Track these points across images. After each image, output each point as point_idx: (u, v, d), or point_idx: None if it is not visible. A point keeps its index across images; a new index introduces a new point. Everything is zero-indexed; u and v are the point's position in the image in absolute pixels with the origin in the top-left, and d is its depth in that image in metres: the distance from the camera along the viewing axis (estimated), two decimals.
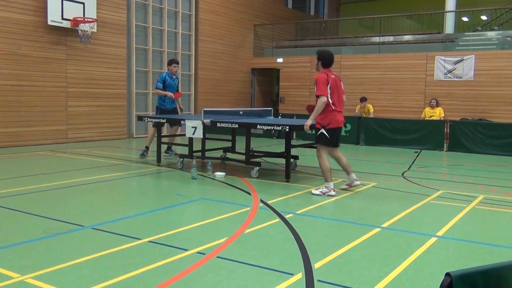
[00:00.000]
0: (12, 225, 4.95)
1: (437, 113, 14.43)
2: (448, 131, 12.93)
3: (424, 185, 7.64)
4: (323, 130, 6.57)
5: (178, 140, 12.47)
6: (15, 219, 5.17)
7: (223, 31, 17.76)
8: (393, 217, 5.52)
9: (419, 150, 12.72)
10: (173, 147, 10.29)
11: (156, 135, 9.33)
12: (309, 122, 6.66)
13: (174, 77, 9.98)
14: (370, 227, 5.10)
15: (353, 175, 6.99)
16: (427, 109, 14.71)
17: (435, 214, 5.82)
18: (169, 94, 9.81)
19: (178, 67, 10.03)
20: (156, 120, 9.00)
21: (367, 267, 3.90)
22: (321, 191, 6.67)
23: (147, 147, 9.85)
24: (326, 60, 6.54)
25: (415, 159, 10.98)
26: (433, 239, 4.71)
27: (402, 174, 8.76)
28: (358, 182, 7.00)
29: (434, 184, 7.80)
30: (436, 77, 15.59)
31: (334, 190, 6.68)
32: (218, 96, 17.47)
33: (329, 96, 6.45)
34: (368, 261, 4.04)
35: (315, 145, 8.52)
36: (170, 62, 9.96)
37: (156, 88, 9.97)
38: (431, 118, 14.24)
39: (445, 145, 12.91)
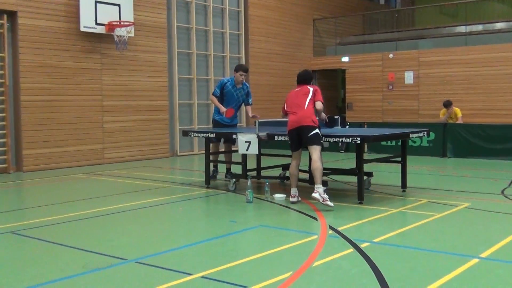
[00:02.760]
0: (49, 259, 5.15)
1: None
2: None
3: None
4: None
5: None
6: (51, 253, 5.37)
7: (277, 28, 17.89)
8: (494, 245, 5.33)
9: None
10: (222, 169, 10.25)
11: (216, 151, 9.50)
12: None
13: (239, 86, 9.67)
14: (465, 257, 4.94)
15: (315, 186, 7.25)
16: None
17: None
18: (222, 109, 9.49)
19: (245, 75, 9.67)
20: (203, 135, 9.11)
21: None
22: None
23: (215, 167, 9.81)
24: (298, 78, 8.05)
25: None
26: None
27: (502, 192, 8.45)
28: (314, 195, 7.16)
29: None
30: None
31: (294, 197, 7.66)
32: (274, 105, 17.50)
33: (286, 106, 7.95)
34: None
35: (394, 159, 8.40)
36: (238, 69, 9.62)
37: (212, 94, 9.78)
38: None
39: None
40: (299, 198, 7.70)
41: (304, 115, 7.51)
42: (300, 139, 7.57)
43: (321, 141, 7.47)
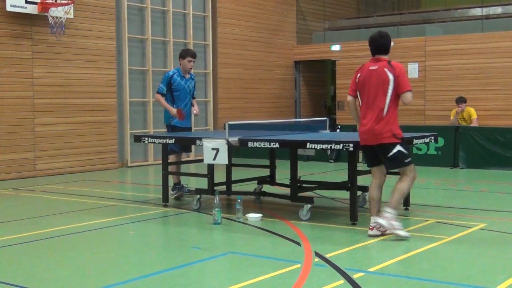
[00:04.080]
0: None
1: None
2: None
3: None
4: None
5: (191, 168, 12.59)
6: None
7: (252, 9, 17.94)
8: None
9: None
10: (185, 182, 10.28)
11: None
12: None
13: (187, 76, 10.00)
14: None
15: (384, 209, 6.87)
16: None
17: None
18: (173, 111, 9.73)
19: (194, 62, 10.05)
20: (160, 141, 9.10)
21: None
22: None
23: (175, 184, 9.79)
24: (372, 45, 7.13)
25: None
26: None
27: None
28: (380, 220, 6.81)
29: None
30: None
31: (371, 229, 6.93)
32: (247, 103, 17.56)
33: (359, 98, 7.06)
34: None
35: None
36: (184, 54, 9.96)
37: (158, 93, 9.96)
38: None
39: None
40: (383, 230, 6.90)
41: (381, 128, 6.80)
42: (377, 155, 7.04)
43: (409, 158, 6.87)
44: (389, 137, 6.79)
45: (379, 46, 7.01)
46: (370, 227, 6.93)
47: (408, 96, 6.77)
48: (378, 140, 6.84)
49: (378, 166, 7.11)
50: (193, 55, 10.02)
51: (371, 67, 6.93)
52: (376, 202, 7.00)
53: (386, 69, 6.82)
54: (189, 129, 10.31)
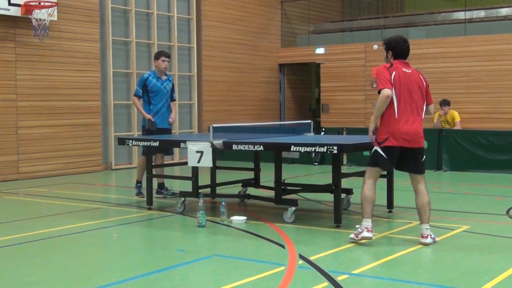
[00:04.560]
0: None
1: None
2: None
3: None
4: (377, 147, 6.80)
5: (176, 171, 12.57)
6: None
7: (237, 12, 17.95)
8: (497, 276, 5.45)
9: None
10: (169, 185, 10.31)
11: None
12: (371, 126, 6.91)
13: (164, 78, 10.12)
14: None
15: (424, 227, 6.72)
16: None
17: None
18: (146, 116, 9.95)
19: (169, 62, 10.22)
20: (145, 144, 9.09)
21: None
22: (355, 233, 6.74)
23: (139, 182, 9.98)
24: (397, 49, 6.95)
25: None
26: None
27: (507, 212, 8.66)
28: (426, 241, 6.65)
29: None
30: None
31: (369, 231, 6.67)
32: (232, 106, 17.57)
33: (394, 97, 6.66)
34: None
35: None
36: (157, 56, 10.19)
37: (134, 95, 10.34)
38: None
39: None
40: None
41: (421, 131, 6.76)
42: (402, 158, 6.80)
43: None
44: (423, 141, 6.86)
45: (404, 50, 6.97)
46: (367, 229, 6.65)
47: (433, 108, 7.10)
48: (420, 143, 6.78)
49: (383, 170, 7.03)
50: (167, 55, 10.20)
51: (404, 69, 6.80)
52: (373, 204, 6.81)
53: (421, 77, 6.89)
54: (168, 130, 10.35)
